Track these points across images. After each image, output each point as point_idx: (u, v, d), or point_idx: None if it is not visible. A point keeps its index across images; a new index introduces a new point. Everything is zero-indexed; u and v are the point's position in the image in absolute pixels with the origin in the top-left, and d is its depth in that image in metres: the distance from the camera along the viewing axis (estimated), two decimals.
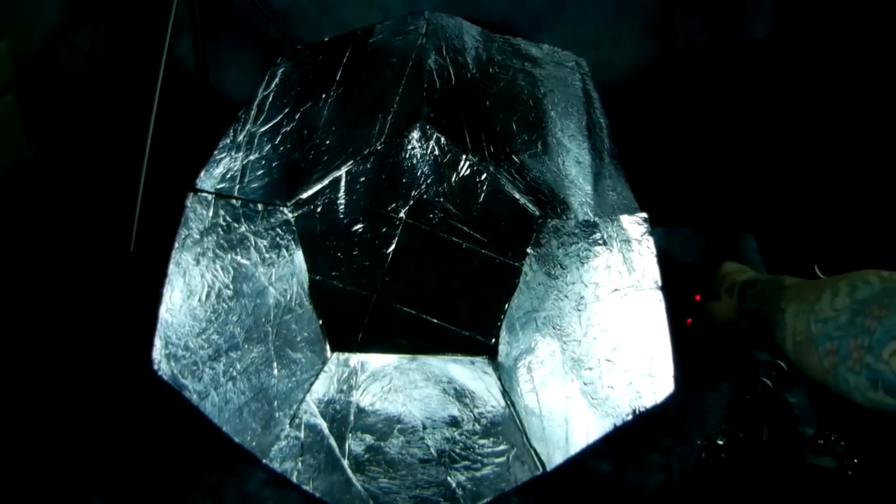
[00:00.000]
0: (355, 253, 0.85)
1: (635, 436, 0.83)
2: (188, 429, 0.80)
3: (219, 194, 0.80)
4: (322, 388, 0.85)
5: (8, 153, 2.05)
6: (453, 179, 0.83)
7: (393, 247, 0.85)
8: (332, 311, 0.86)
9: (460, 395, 0.85)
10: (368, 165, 0.82)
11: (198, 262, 0.77)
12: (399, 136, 0.81)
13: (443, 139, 0.81)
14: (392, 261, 0.86)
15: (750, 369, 0.89)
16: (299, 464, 0.79)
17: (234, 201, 0.81)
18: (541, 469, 0.78)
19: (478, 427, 0.83)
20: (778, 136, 1.90)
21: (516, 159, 0.84)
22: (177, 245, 0.76)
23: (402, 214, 0.84)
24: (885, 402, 0.63)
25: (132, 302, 1.75)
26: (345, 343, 0.87)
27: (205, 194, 0.80)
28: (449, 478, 0.79)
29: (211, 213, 0.79)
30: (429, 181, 0.83)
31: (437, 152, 0.82)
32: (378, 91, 0.87)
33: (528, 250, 0.84)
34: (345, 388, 0.86)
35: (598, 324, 0.80)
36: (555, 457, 0.78)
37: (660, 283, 0.79)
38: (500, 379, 0.86)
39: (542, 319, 0.82)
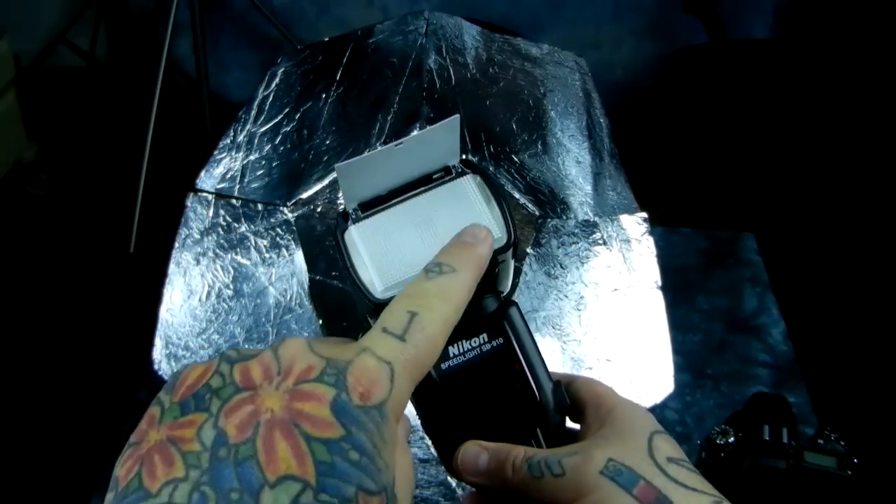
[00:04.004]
0: None
1: None
2: None
3: (219, 194, 0.81)
4: None
5: (8, 153, 2.05)
6: None
7: None
8: (332, 311, 0.87)
9: None
10: None
11: (198, 261, 0.77)
12: (399, 137, 0.81)
13: None
14: None
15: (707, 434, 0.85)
16: None
17: (234, 201, 0.81)
18: None
19: None
20: (778, 137, 1.91)
21: (516, 159, 0.84)
22: (177, 245, 0.76)
23: None
24: None
25: (132, 302, 1.75)
26: None
27: (205, 194, 0.80)
28: (449, 477, 0.79)
29: (211, 213, 0.79)
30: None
31: None
32: (378, 91, 0.87)
33: (528, 250, 0.84)
34: None
35: (598, 324, 0.80)
36: None
37: (660, 283, 0.79)
38: None
39: (542, 319, 0.82)
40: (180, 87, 2.33)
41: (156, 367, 0.72)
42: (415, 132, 0.37)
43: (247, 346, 0.79)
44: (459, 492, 0.79)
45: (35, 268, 1.92)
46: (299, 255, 0.85)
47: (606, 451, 0.36)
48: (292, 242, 0.84)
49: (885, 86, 1.83)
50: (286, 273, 0.84)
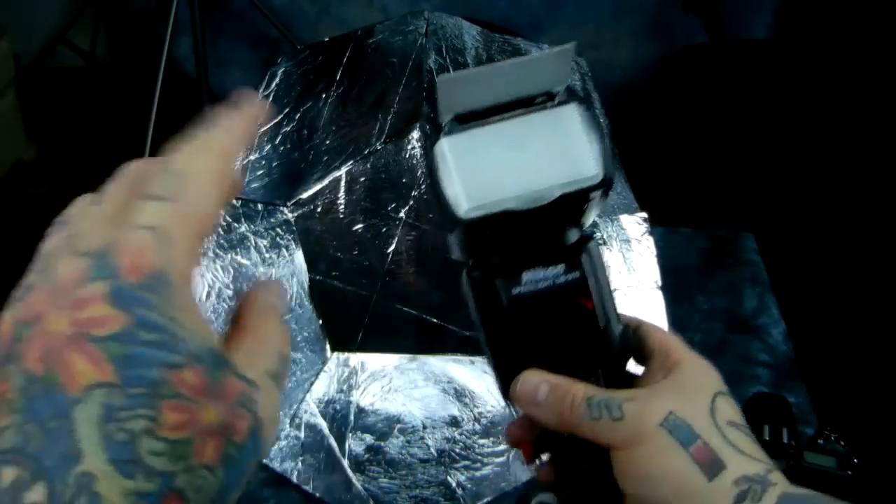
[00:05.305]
0: (355, 253, 0.85)
1: None
2: None
3: None
4: (322, 387, 0.85)
5: (8, 153, 2.05)
6: None
7: (393, 247, 0.85)
8: (332, 311, 0.87)
9: (460, 394, 0.85)
10: (368, 165, 0.82)
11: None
12: (399, 136, 0.81)
13: None
14: (392, 261, 0.86)
15: None
16: (299, 464, 0.79)
17: (234, 201, 0.81)
18: None
19: (478, 427, 0.83)
20: (778, 137, 1.91)
21: None
22: None
23: (401, 214, 0.84)
24: None
25: None
26: (345, 343, 0.87)
27: None
28: (449, 477, 0.79)
29: None
30: (429, 181, 0.83)
31: None
32: (378, 91, 0.87)
33: None
34: (345, 387, 0.86)
35: None
36: None
37: (660, 283, 0.79)
38: None
39: None
40: (180, 87, 2.33)
41: None
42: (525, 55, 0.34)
43: None
44: (459, 492, 0.79)
45: None
46: (299, 255, 0.85)
47: (668, 403, 0.36)
48: (292, 242, 0.84)
49: (886, 86, 1.83)
50: (286, 273, 0.84)
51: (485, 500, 0.78)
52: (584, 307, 0.39)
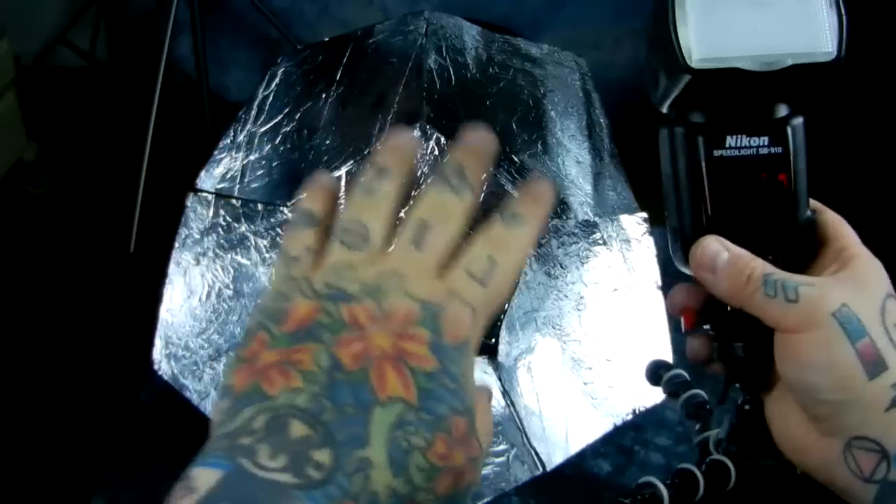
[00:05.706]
0: None
1: (635, 436, 0.83)
2: (188, 428, 0.80)
3: (219, 194, 0.80)
4: None
5: (8, 153, 2.05)
6: None
7: (393, 247, 0.85)
8: None
9: None
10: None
11: (198, 261, 0.77)
12: None
13: (443, 139, 0.81)
14: None
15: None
16: None
17: (234, 201, 0.81)
18: (541, 469, 0.78)
19: None
20: None
21: (516, 159, 0.84)
22: (177, 245, 0.76)
23: (402, 214, 0.85)
24: None
25: (132, 302, 1.75)
26: None
27: (205, 194, 0.80)
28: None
29: (211, 213, 0.79)
30: (429, 181, 0.83)
31: (437, 152, 0.82)
32: (378, 91, 0.87)
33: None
34: None
35: (598, 324, 0.80)
36: (555, 456, 0.78)
37: (659, 283, 0.79)
38: (500, 379, 0.86)
39: (542, 319, 0.82)
40: (180, 87, 2.33)
41: (156, 367, 0.72)
42: None
43: None
44: None
45: (35, 268, 1.92)
46: None
47: (843, 294, 0.36)
48: None
49: (886, 86, 1.83)
50: None
51: (485, 500, 0.78)
52: (780, 183, 0.39)
